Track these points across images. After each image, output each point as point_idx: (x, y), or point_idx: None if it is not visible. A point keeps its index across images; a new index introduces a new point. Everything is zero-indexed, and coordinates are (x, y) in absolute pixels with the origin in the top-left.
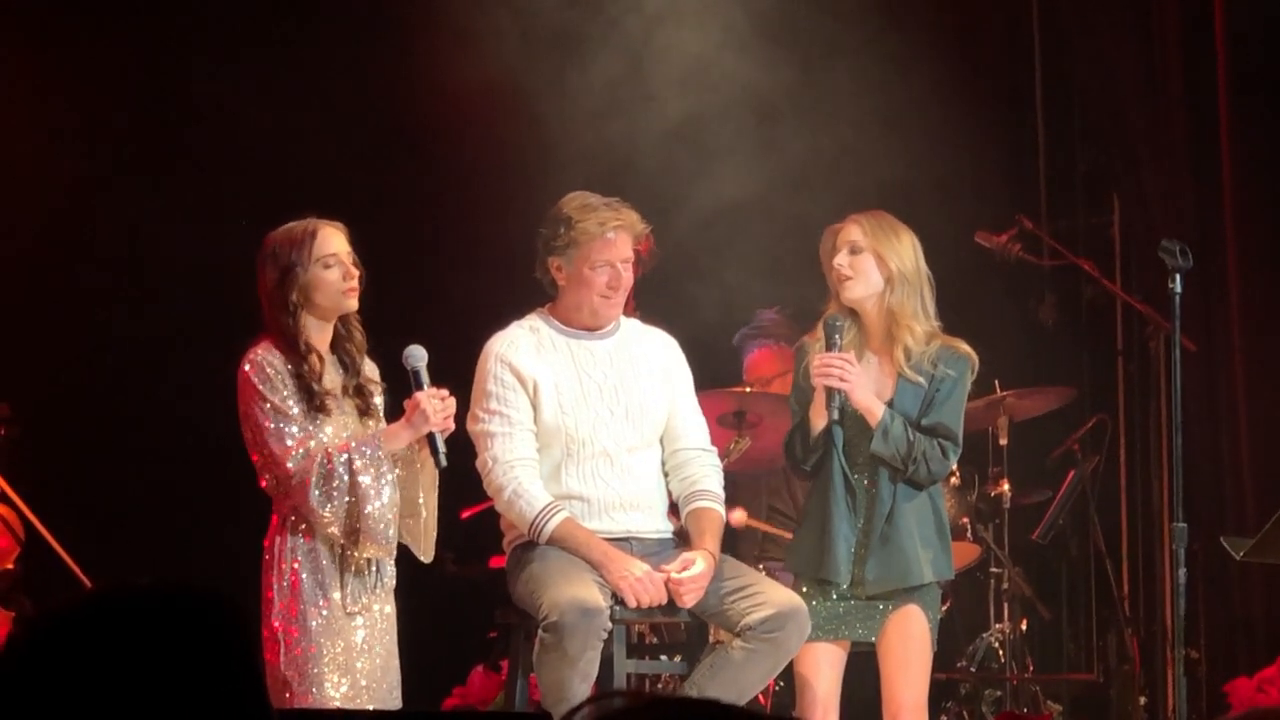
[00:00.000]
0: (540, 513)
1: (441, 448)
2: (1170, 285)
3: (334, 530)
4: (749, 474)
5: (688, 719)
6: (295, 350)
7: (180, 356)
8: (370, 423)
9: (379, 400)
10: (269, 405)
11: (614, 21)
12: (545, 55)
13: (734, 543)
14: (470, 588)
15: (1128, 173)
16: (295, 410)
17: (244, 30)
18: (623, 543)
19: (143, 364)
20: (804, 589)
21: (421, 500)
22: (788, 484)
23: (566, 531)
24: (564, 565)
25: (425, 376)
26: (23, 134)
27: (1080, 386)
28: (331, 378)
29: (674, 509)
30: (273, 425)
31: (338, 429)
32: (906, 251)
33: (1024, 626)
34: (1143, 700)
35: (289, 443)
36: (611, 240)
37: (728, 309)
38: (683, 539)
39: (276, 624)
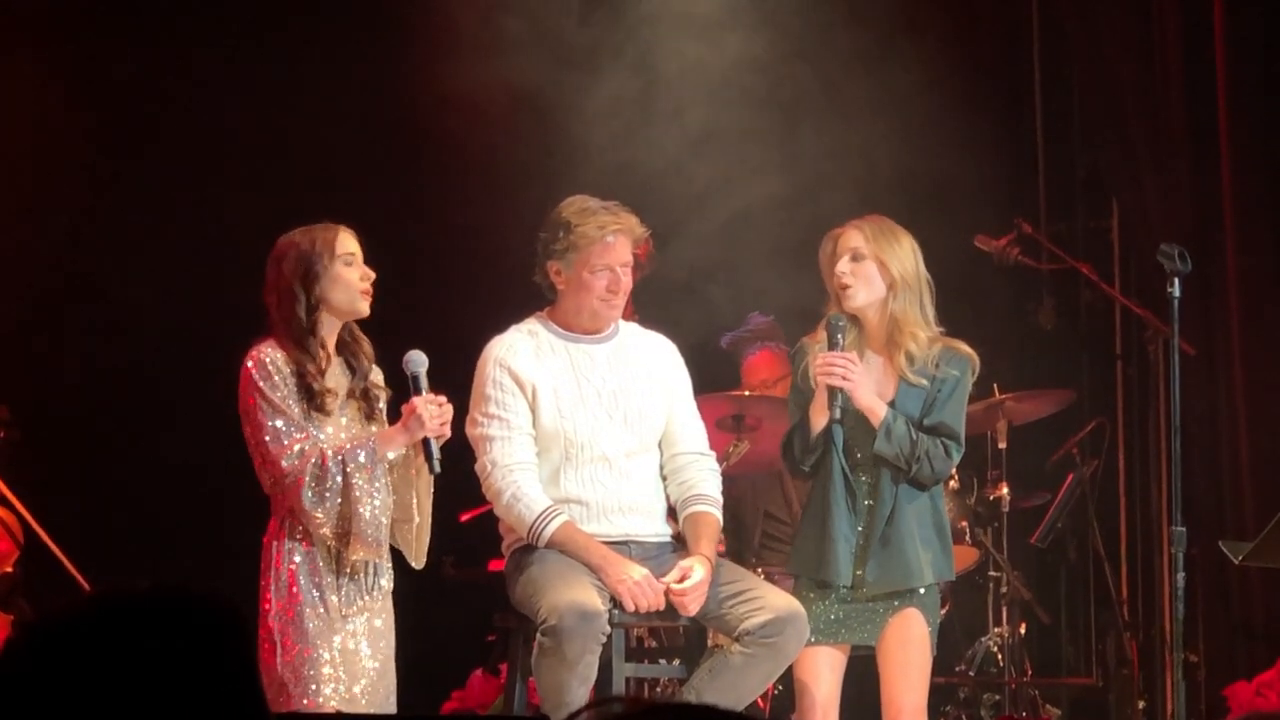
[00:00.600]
0: (539, 516)
1: (436, 454)
2: (1169, 289)
3: (325, 531)
4: (747, 477)
5: None
6: (303, 347)
7: (180, 359)
8: (374, 428)
9: (383, 406)
10: (268, 403)
11: (616, 20)
12: (548, 59)
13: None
14: (469, 591)
15: (1127, 177)
16: (294, 409)
17: (245, 34)
18: (621, 546)
19: (142, 367)
20: (804, 591)
21: (415, 505)
22: (783, 488)
23: (565, 535)
24: (563, 569)
25: (424, 382)
26: (23, 134)
27: (1079, 390)
28: (337, 379)
29: (672, 513)
30: (271, 423)
31: (337, 430)
32: (908, 257)
33: (1023, 630)
34: (1142, 704)
35: (285, 442)
36: (611, 244)
37: (728, 312)
38: (682, 543)
39: (274, 626)
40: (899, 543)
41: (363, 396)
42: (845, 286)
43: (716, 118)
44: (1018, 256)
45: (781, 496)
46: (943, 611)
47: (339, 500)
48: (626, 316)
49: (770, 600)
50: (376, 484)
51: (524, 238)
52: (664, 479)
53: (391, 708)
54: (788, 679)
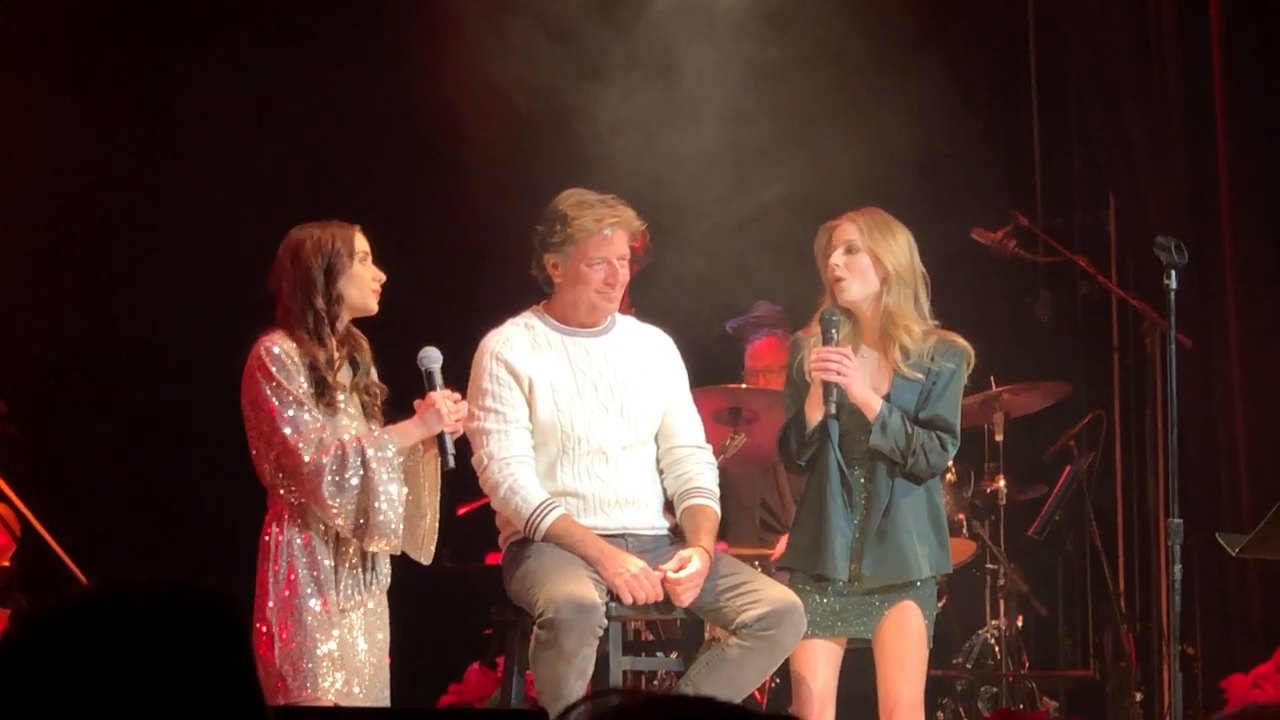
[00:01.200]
0: (536, 509)
1: (450, 448)
2: (1166, 281)
3: (340, 522)
4: (743, 472)
5: (684, 717)
6: (319, 341)
7: (177, 353)
8: (372, 424)
9: (379, 404)
10: (286, 393)
11: (618, 15)
12: (547, 56)
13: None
14: (466, 584)
15: (1123, 169)
16: (309, 398)
17: (247, 31)
18: (618, 539)
19: (139, 361)
20: (800, 585)
21: (425, 501)
22: (778, 481)
23: (562, 528)
24: (560, 562)
25: (439, 378)
26: (22, 132)
27: (1076, 383)
28: (343, 373)
29: (669, 506)
30: (289, 413)
31: (345, 424)
32: (902, 251)
33: (1020, 623)
34: (1139, 696)
35: (304, 431)
36: (608, 237)
37: (723, 303)
38: (678, 536)
39: (272, 620)
40: (895, 536)
41: (364, 392)
42: (839, 279)
43: (718, 115)
44: (1014, 249)
45: (776, 488)
46: (940, 604)
47: (358, 491)
48: (623, 310)
49: (768, 593)
50: (393, 476)
51: (523, 232)
52: (660, 472)
53: (386, 700)
54: (785, 672)
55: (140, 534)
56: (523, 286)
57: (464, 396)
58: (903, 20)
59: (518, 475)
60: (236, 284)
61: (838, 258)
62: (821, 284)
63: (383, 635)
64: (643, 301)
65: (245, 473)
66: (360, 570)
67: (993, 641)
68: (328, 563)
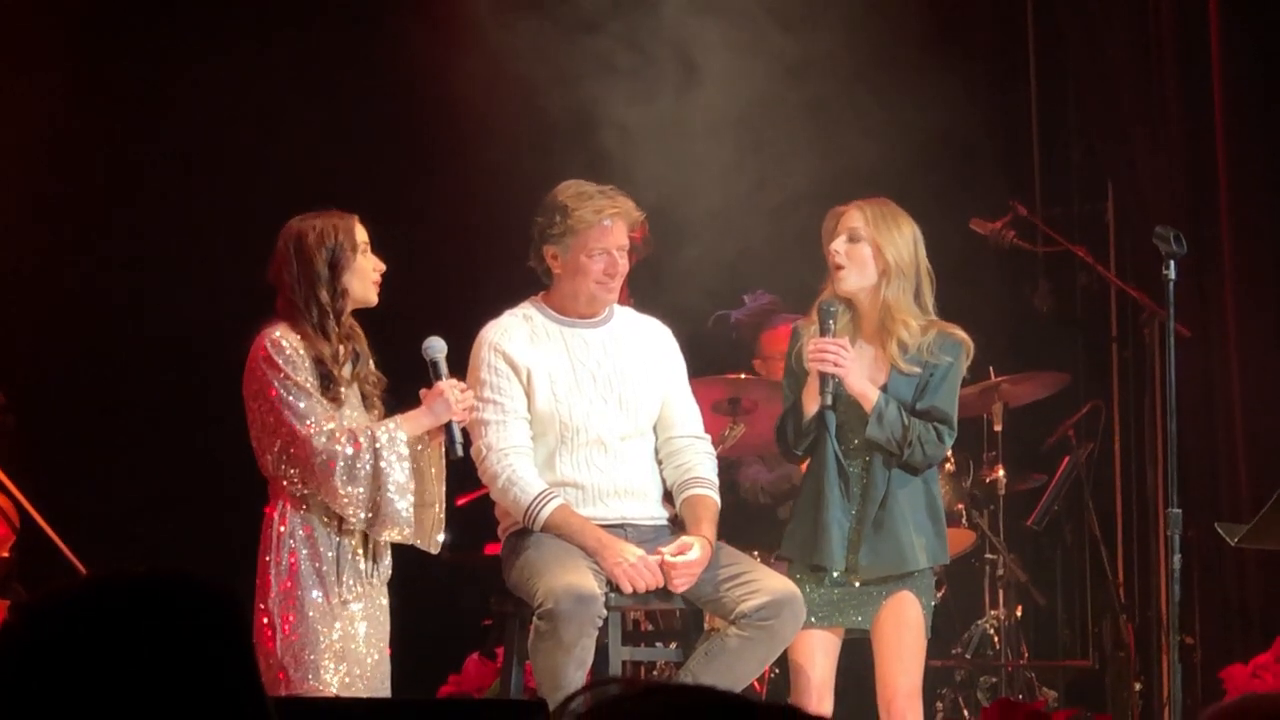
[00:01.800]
0: (535, 500)
1: (459, 438)
2: (1164, 271)
3: (352, 511)
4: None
5: (683, 706)
6: (323, 335)
7: (175, 343)
8: (372, 414)
9: (378, 394)
10: (293, 384)
11: (619, 10)
12: (550, 47)
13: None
14: (465, 575)
15: (1122, 159)
16: (316, 390)
17: (242, 22)
18: (617, 529)
19: (138, 351)
20: (797, 575)
21: (432, 490)
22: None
23: (561, 518)
24: (559, 552)
25: (444, 367)
26: (20, 124)
27: (1075, 373)
28: (346, 367)
29: (668, 496)
30: (298, 403)
31: (349, 416)
32: (906, 244)
33: (1019, 613)
34: (1138, 686)
35: (312, 422)
36: (608, 228)
37: (721, 295)
38: (678, 526)
39: (273, 611)
40: (892, 528)
41: (364, 382)
42: (839, 267)
43: (717, 109)
44: (1013, 239)
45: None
46: (939, 594)
47: (369, 481)
48: (622, 301)
49: (767, 583)
50: (403, 465)
51: (523, 223)
52: (659, 463)
53: (387, 692)
54: (784, 662)
55: (140, 525)
56: (523, 277)
57: (468, 386)
58: (902, 12)
59: (516, 466)
60: (237, 274)
61: (839, 245)
62: (824, 269)
63: (384, 626)
64: (649, 294)
65: (246, 463)
66: (363, 561)
67: (992, 631)
68: (330, 554)
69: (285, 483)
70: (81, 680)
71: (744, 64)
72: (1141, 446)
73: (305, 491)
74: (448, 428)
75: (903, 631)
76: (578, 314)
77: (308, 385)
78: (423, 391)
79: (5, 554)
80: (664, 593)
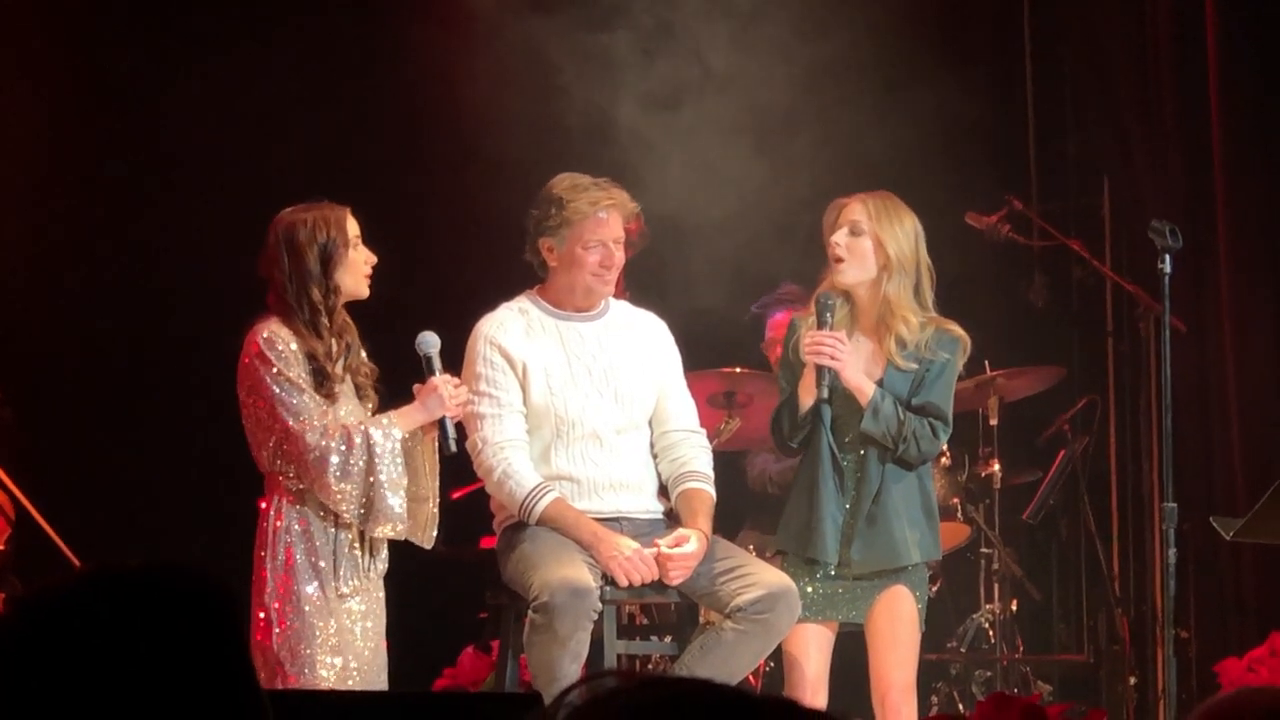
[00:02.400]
0: (530, 493)
1: (452, 433)
2: (1160, 266)
3: (345, 507)
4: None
5: (679, 699)
6: (315, 332)
7: (169, 338)
8: (367, 405)
9: (371, 384)
10: (286, 380)
11: (624, 8)
12: (546, 41)
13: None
14: (461, 569)
15: (1118, 153)
16: (309, 386)
17: (242, 16)
18: (613, 523)
19: (132, 345)
20: (791, 569)
21: (426, 485)
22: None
23: (557, 512)
24: (554, 546)
25: (438, 363)
26: (15, 119)
27: (1070, 367)
28: (340, 363)
29: (663, 490)
30: (291, 400)
31: (343, 410)
32: (907, 238)
33: (1014, 607)
34: (1133, 680)
35: (306, 418)
36: (604, 219)
37: (718, 289)
38: (673, 519)
39: (269, 605)
40: (886, 522)
41: (355, 374)
42: (839, 260)
43: (706, 97)
44: (1008, 233)
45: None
46: (934, 588)
47: (363, 477)
48: (617, 294)
49: (762, 577)
50: (397, 461)
51: (517, 217)
52: (655, 456)
53: (383, 685)
54: (779, 655)
55: (135, 518)
56: (519, 271)
57: (462, 382)
58: (899, 8)
59: (512, 460)
60: (232, 267)
61: (840, 237)
62: (825, 260)
63: (380, 620)
64: (652, 292)
65: (242, 457)
66: (359, 555)
67: (987, 626)
68: (327, 548)
69: (281, 478)
70: (76, 674)
71: (743, 62)
72: (1137, 441)
73: (301, 486)
74: (441, 423)
75: (897, 626)
76: (573, 307)
77: (300, 381)
78: (416, 387)
79: (1, 547)
80: (659, 586)
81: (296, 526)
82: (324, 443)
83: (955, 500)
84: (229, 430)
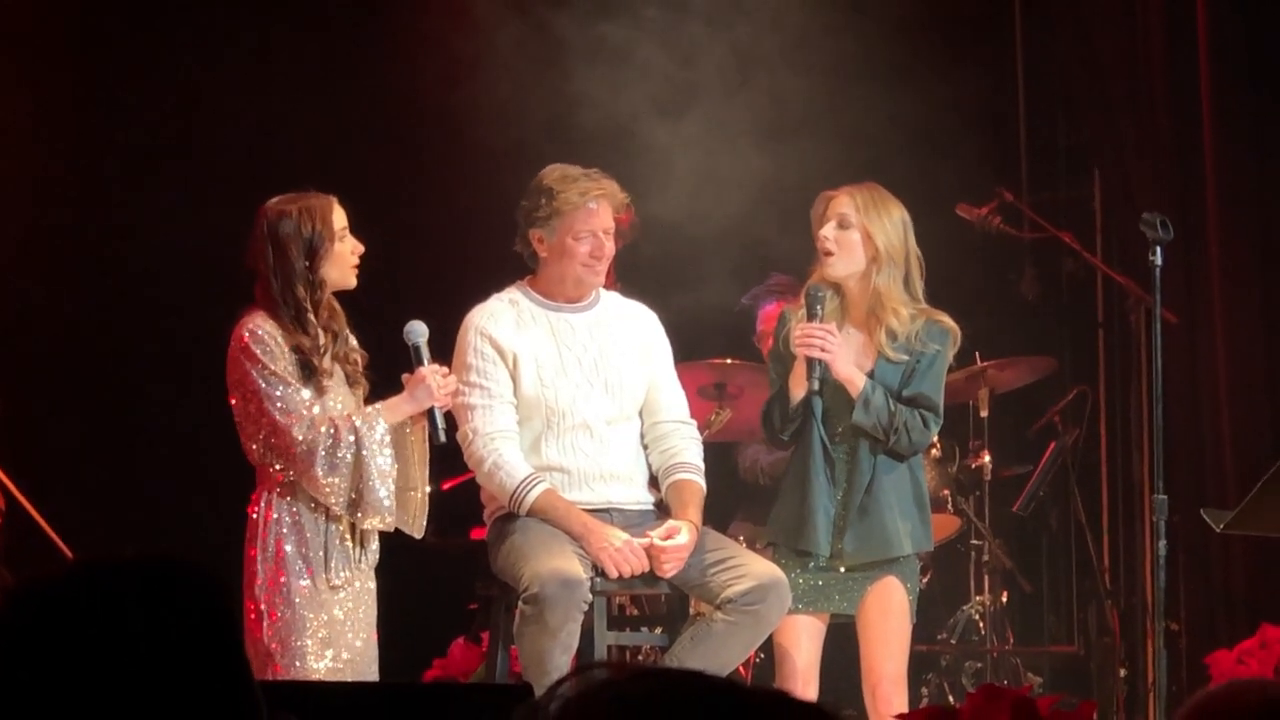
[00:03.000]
0: (521, 484)
1: (441, 423)
2: (1151, 258)
3: (334, 500)
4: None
5: (670, 690)
6: (302, 327)
7: (160, 328)
8: (358, 391)
9: (361, 370)
10: (271, 374)
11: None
12: (542, 35)
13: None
14: (451, 559)
15: (1109, 145)
16: (296, 379)
17: (240, 10)
18: (603, 514)
19: (125, 337)
20: (782, 560)
21: (415, 475)
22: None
23: (547, 503)
24: (545, 537)
25: (426, 352)
26: (12, 125)
27: (1061, 359)
28: (328, 357)
29: (654, 481)
30: (276, 393)
31: (332, 399)
32: (895, 230)
33: (1004, 599)
34: (1123, 672)
35: (294, 411)
36: (594, 210)
37: (713, 283)
38: (663, 510)
39: (261, 596)
40: (877, 513)
41: (344, 360)
42: (828, 253)
43: (698, 89)
44: (999, 225)
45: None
46: (924, 580)
47: (350, 469)
48: (608, 285)
49: (753, 568)
50: (385, 452)
51: (507, 208)
52: (645, 447)
53: (374, 675)
54: (769, 647)
55: (126, 510)
56: (511, 261)
57: (451, 372)
58: None
59: (502, 450)
60: (225, 254)
61: (828, 230)
62: (814, 253)
63: (371, 611)
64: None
65: (233, 449)
66: (350, 547)
67: (977, 617)
68: (317, 540)
69: (271, 470)
70: (67, 664)
71: (734, 56)
72: (1127, 432)
73: (292, 478)
74: (430, 414)
75: (888, 617)
76: (564, 298)
77: (287, 375)
78: (405, 377)
79: None
80: (650, 577)
81: (287, 518)
82: (311, 436)
83: (945, 492)
84: (219, 422)
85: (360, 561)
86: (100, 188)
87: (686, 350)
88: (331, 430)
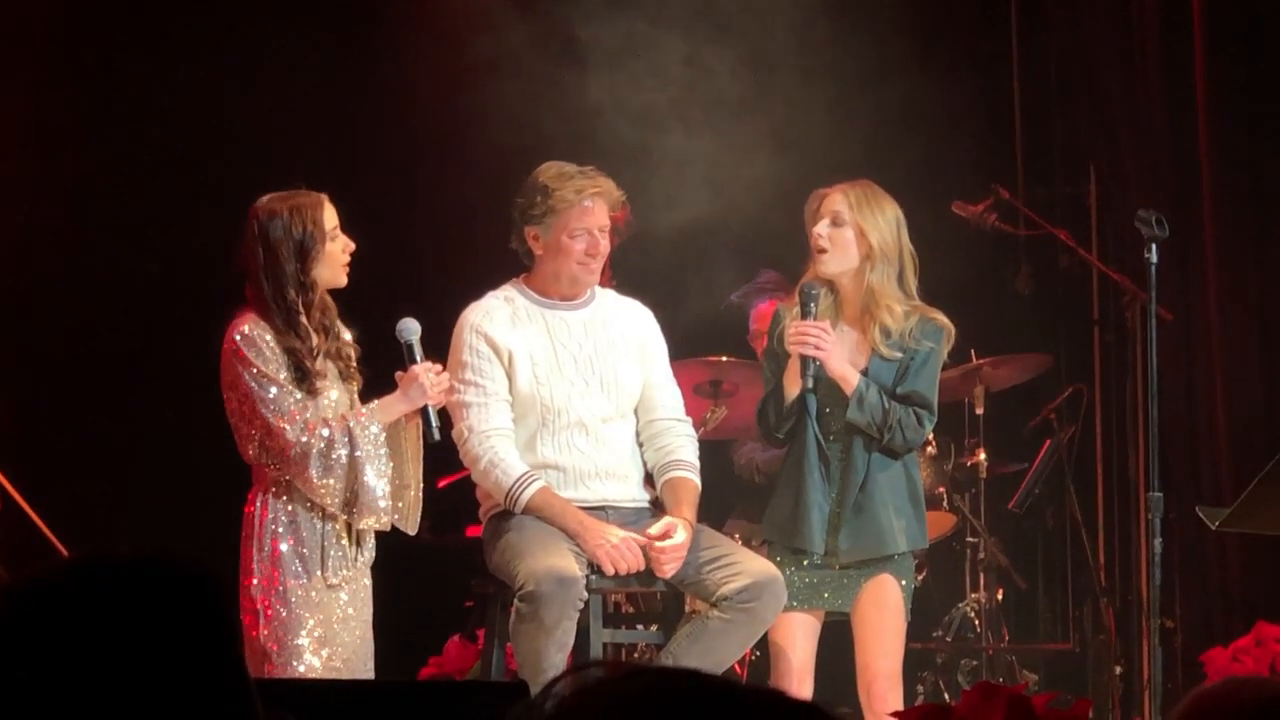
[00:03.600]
0: (516, 481)
1: (435, 421)
2: (1146, 255)
3: (329, 501)
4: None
5: (666, 688)
6: (293, 329)
7: (156, 325)
8: (351, 386)
9: (355, 364)
10: (264, 377)
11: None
12: (539, 30)
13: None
14: (446, 557)
15: (1104, 142)
16: (289, 381)
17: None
18: (599, 511)
19: (122, 334)
20: (777, 558)
21: (409, 473)
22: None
23: (543, 500)
24: (540, 535)
25: (419, 350)
26: (7, 124)
27: (1056, 356)
28: (320, 359)
29: (649, 479)
30: (269, 395)
31: (326, 399)
32: (889, 227)
33: (1000, 596)
34: (1118, 670)
35: (287, 414)
36: (589, 208)
37: (710, 282)
38: (659, 508)
39: (257, 595)
40: (872, 511)
41: (337, 356)
42: (822, 250)
43: (696, 85)
44: (995, 222)
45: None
46: (920, 577)
47: (345, 470)
48: (604, 283)
49: (748, 565)
50: (380, 452)
51: (503, 205)
52: (640, 445)
53: (370, 673)
54: (765, 644)
55: (123, 508)
56: (508, 258)
57: (445, 369)
58: None
59: (498, 448)
60: (220, 255)
61: (822, 227)
62: (808, 250)
63: (367, 610)
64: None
65: (229, 448)
66: (347, 546)
67: (972, 615)
68: (314, 538)
69: (266, 470)
70: (63, 662)
71: (727, 54)
72: (1123, 430)
73: (287, 478)
74: (424, 411)
75: (883, 614)
76: (559, 296)
77: (279, 377)
78: (398, 375)
79: None
80: (645, 575)
81: (283, 518)
82: (305, 439)
83: (941, 489)
84: (216, 420)
85: (357, 560)
86: (96, 186)
87: (682, 348)
88: (325, 432)
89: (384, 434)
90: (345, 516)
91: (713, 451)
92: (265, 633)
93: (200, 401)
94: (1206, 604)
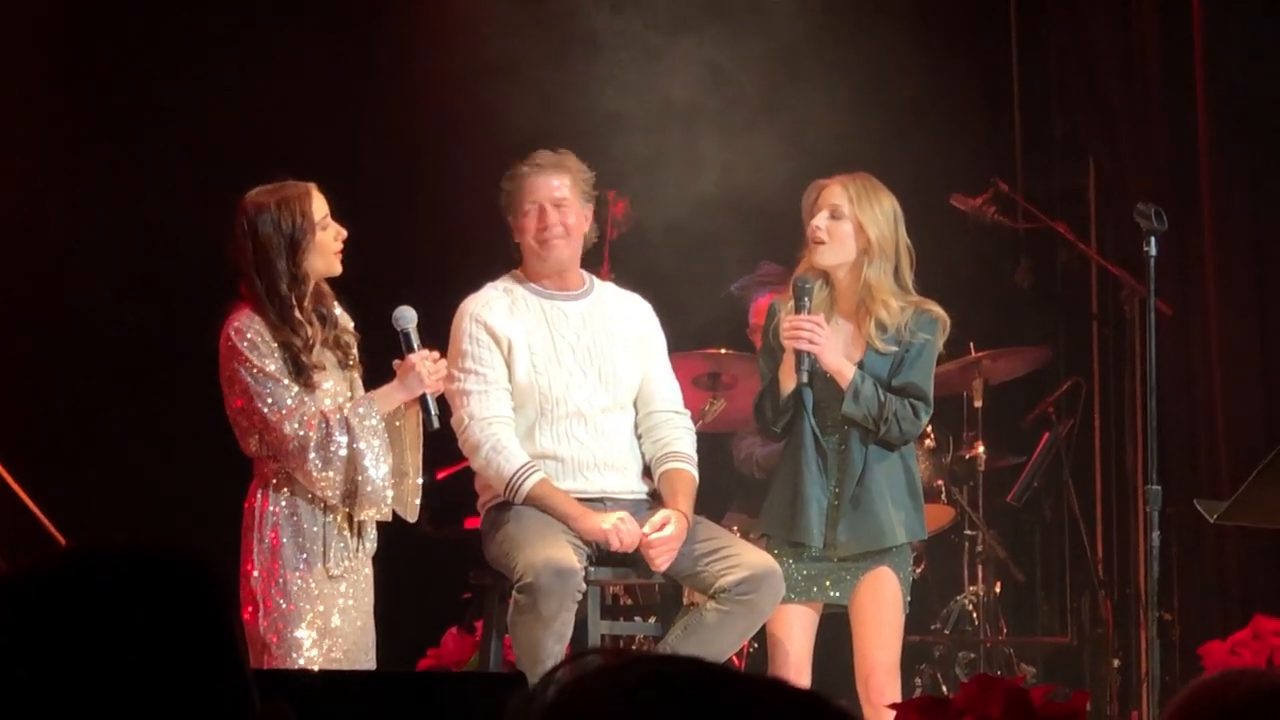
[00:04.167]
0: (518, 470)
1: (434, 409)
2: (1145, 248)
3: (329, 494)
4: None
5: (665, 677)
6: (288, 323)
7: (156, 318)
8: (351, 374)
9: (355, 351)
10: (260, 371)
11: None
12: (536, 28)
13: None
14: (445, 548)
15: (1103, 136)
16: (286, 376)
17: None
18: (597, 503)
19: (120, 324)
20: (775, 551)
21: (408, 461)
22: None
23: (543, 491)
24: (539, 526)
25: (416, 338)
26: (10, 112)
27: (1055, 350)
28: (317, 351)
29: (648, 471)
30: (265, 390)
31: (326, 388)
32: (887, 222)
33: (998, 589)
34: (1116, 663)
35: (284, 408)
36: (533, 182)
37: (709, 274)
38: (658, 500)
39: (256, 586)
40: (870, 503)
41: (335, 344)
42: (819, 242)
43: (695, 83)
44: (994, 216)
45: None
46: (918, 570)
47: (345, 462)
48: (602, 275)
49: (746, 558)
50: (378, 443)
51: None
52: (639, 437)
53: (371, 664)
54: (763, 637)
55: (122, 498)
56: (504, 248)
57: (442, 357)
58: None
59: (500, 435)
60: (216, 246)
61: (820, 219)
62: (804, 242)
63: (367, 601)
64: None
65: (229, 439)
66: (348, 537)
67: (970, 607)
68: (315, 530)
69: (267, 462)
70: (60, 652)
71: (725, 45)
72: (1121, 423)
73: (288, 470)
74: (423, 400)
75: (881, 607)
76: (554, 285)
77: (276, 372)
78: (396, 363)
79: None
80: (643, 567)
81: (284, 510)
82: (303, 433)
83: (939, 482)
84: (217, 410)
85: (358, 551)
86: (95, 182)
87: (681, 340)
88: (323, 424)
89: (382, 424)
90: (346, 508)
91: (711, 444)
92: (265, 625)
93: (200, 394)
94: (1204, 597)
